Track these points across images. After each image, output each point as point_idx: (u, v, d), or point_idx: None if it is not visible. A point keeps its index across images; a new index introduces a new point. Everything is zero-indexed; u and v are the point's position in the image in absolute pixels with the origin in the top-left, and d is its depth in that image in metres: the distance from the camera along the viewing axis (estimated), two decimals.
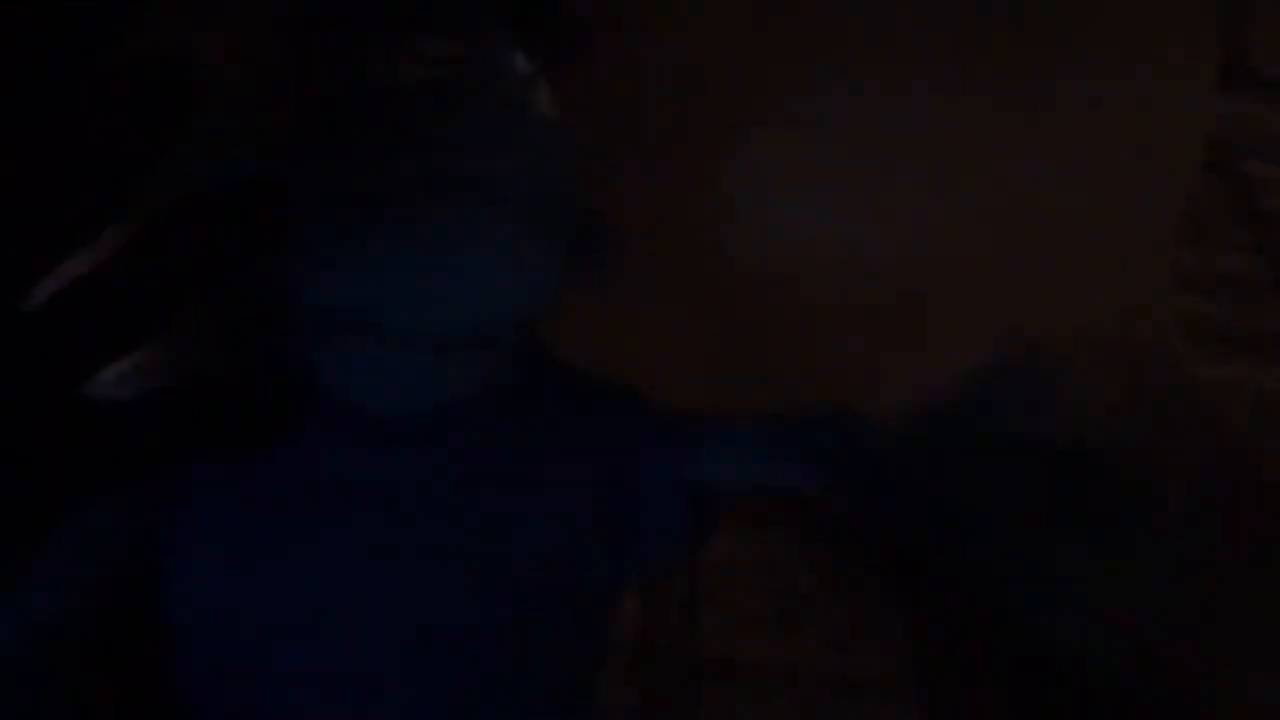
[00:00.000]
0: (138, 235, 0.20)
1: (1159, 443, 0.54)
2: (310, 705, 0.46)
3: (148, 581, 0.45)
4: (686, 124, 0.56)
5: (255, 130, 0.41)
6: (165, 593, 0.46)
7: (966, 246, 0.58)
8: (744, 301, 0.63)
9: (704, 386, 0.57)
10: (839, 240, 0.59)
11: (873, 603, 0.56)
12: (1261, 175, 0.84)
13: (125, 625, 0.44)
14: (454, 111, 0.41)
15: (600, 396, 0.51)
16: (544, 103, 0.43)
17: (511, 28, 0.42)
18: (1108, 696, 0.49)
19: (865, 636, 0.54)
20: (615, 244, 0.46)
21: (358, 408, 0.45)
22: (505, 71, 0.42)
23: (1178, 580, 0.49)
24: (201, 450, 0.22)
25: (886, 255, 0.57)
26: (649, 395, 0.50)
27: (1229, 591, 0.48)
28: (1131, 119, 0.57)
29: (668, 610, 0.57)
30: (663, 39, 0.59)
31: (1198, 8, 0.58)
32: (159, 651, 0.45)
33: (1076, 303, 0.57)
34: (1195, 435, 0.54)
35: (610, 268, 0.46)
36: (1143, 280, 0.59)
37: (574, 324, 0.49)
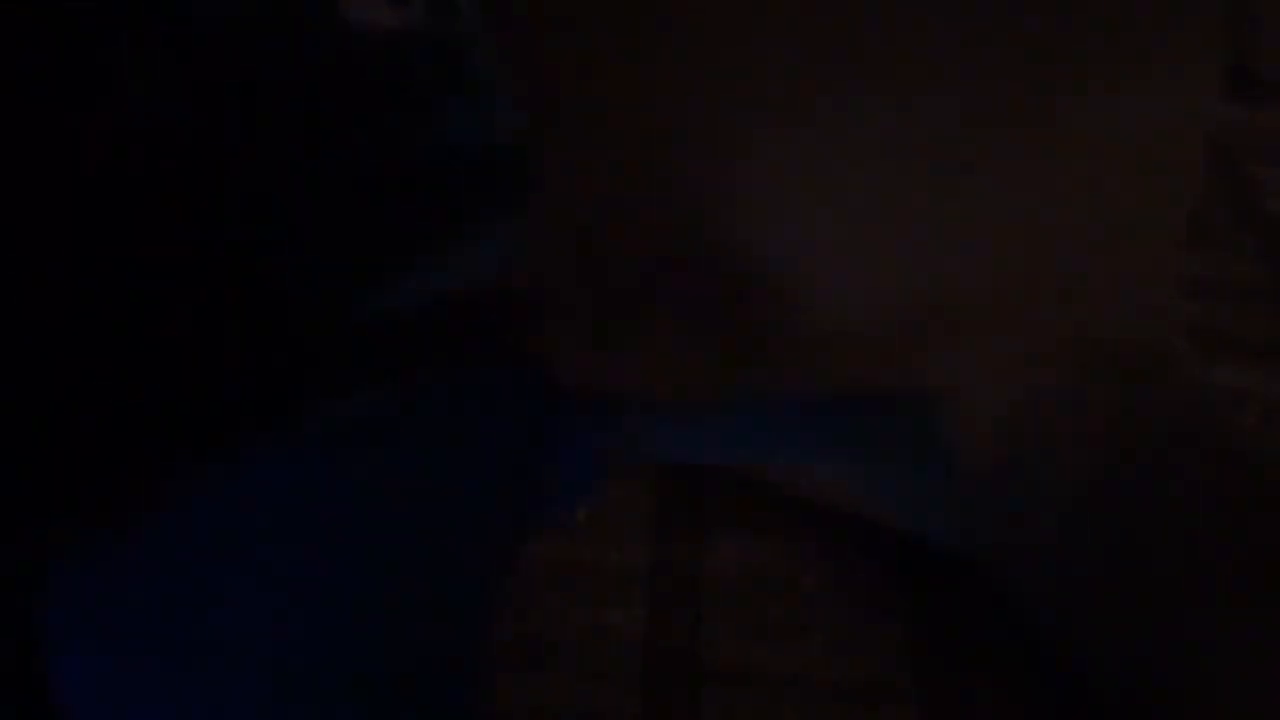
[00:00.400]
0: None
1: (1163, 449, 0.54)
2: None
3: (27, 673, 0.42)
4: (693, 124, 0.56)
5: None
6: (53, 679, 0.42)
7: (970, 252, 0.58)
8: (750, 306, 0.63)
9: (706, 388, 0.57)
10: (846, 245, 0.59)
11: (876, 609, 0.56)
12: (1265, 178, 0.84)
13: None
14: (438, 65, 0.38)
15: (506, 380, 0.47)
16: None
17: None
18: (1108, 698, 0.49)
19: (869, 643, 0.54)
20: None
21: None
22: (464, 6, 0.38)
23: (1181, 584, 0.49)
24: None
25: (892, 261, 0.57)
26: (653, 393, 0.49)
27: (1232, 596, 0.48)
28: (1134, 123, 0.57)
29: (672, 616, 0.56)
30: (670, 38, 0.59)
31: (1201, 11, 0.58)
32: None
33: (1080, 308, 0.57)
34: (1199, 442, 0.54)
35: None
36: (1146, 286, 0.59)
37: (576, 327, 0.49)
